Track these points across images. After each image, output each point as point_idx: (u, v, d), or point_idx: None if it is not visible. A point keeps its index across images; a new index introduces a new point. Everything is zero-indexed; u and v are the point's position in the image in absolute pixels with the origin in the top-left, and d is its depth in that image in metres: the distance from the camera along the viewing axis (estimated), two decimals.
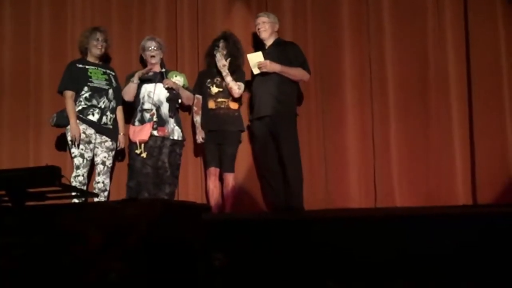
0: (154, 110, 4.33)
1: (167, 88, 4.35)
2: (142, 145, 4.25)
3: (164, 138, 4.31)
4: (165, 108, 4.35)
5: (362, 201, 4.48)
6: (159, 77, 4.40)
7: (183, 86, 4.46)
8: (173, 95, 4.36)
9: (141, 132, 4.28)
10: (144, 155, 4.24)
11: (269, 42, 4.46)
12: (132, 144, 4.33)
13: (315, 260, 3.04)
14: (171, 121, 4.36)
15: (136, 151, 4.25)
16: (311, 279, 2.95)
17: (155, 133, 4.29)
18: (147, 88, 4.38)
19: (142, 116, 4.34)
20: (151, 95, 4.35)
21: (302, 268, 3.02)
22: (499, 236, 3.01)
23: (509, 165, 4.27)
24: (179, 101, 4.44)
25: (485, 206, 4.20)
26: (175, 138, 4.36)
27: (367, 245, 3.09)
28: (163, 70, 4.40)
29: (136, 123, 4.35)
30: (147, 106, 4.35)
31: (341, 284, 2.77)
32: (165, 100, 4.35)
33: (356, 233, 3.15)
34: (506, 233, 3.01)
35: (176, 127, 4.38)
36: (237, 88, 4.34)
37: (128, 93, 4.38)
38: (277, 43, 4.45)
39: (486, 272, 2.91)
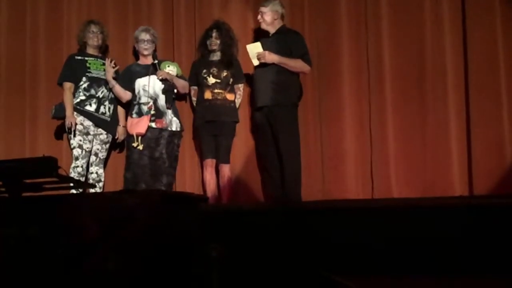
0: (151, 103, 4.32)
1: (161, 80, 4.33)
2: (139, 138, 4.24)
3: (162, 130, 4.30)
4: (161, 100, 4.34)
5: (359, 192, 4.48)
6: (152, 69, 4.37)
7: (176, 75, 4.44)
8: (168, 86, 4.34)
9: (138, 125, 4.27)
10: (140, 147, 4.23)
11: (272, 30, 4.37)
12: (130, 136, 4.32)
13: (312, 251, 3.05)
14: (169, 112, 4.34)
15: (133, 144, 4.24)
16: (307, 269, 2.96)
17: (153, 125, 4.28)
18: (140, 82, 4.37)
19: (139, 109, 4.34)
20: (146, 88, 4.34)
21: (298, 259, 3.03)
22: (496, 227, 3.03)
23: (505, 156, 4.29)
24: (175, 91, 4.43)
25: (481, 197, 4.21)
26: (173, 129, 4.35)
27: (364, 236, 3.09)
28: (156, 61, 4.36)
29: (134, 115, 4.34)
30: (143, 99, 4.34)
31: (337, 274, 2.78)
32: (160, 92, 4.33)
33: (353, 224, 3.16)
34: (503, 224, 3.02)
35: (174, 118, 4.37)
36: (239, 97, 4.46)
37: (119, 96, 4.41)
38: (280, 31, 4.36)
39: (483, 263, 2.93)
